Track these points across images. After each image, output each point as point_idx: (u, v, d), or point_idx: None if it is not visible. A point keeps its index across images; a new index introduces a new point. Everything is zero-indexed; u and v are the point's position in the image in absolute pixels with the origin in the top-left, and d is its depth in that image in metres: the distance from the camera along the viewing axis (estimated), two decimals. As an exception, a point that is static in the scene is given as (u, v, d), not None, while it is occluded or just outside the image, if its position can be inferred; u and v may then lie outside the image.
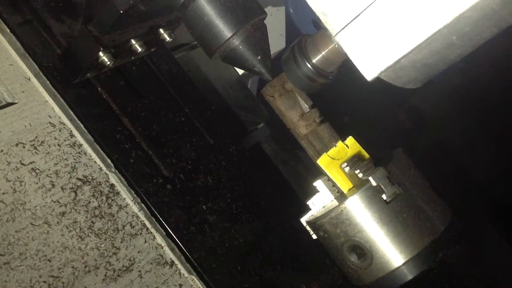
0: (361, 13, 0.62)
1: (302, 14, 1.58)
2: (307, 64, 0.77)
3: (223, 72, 1.20)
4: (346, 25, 0.63)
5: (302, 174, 1.20)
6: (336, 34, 0.64)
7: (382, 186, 0.74)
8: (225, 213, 0.97)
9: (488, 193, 1.82)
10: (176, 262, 0.88)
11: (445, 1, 0.57)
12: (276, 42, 1.28)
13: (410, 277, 0.77)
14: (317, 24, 1.67)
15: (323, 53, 0.75)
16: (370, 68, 0.64)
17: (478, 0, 0.55)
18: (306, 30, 1.64)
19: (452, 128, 1.85)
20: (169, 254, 0.88)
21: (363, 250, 0.77)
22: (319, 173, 0.85)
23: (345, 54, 0.65)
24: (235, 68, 1.22)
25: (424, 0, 0.58)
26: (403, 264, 0.76)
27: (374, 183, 0.74)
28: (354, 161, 0.80)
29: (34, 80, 0.86)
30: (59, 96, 0.87)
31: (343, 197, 0.81)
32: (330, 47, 0.74)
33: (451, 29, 0.58)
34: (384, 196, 0.74)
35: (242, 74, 1.26)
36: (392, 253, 0.76)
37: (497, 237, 1.70)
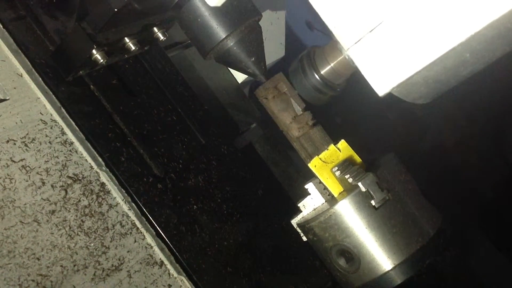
0: (374, 28, 0.61)
1: (296, 14, 1.58)
2: (316, 75, 0.77)
3: (216, 72, 1.20)
4: (359, 40, 0.63)
5: (293, 176, 1.20)
6: (348, 48, 0.64)
7: (371, 192, 0.74)
8: (215, 213, 0.97)
9: (479, 198, 1.83)
10: (166, 262, 0.87)
11: (461, 19, 0.56)
12: (276, 50, 1.28)
13: (398, 282, 0.77)
14: (310, 24, 1.67)
15: (332, 65, 0.75)
16: (382, 83, 0.63)
17: (494, 19, 0.55)
18: (300, 30, 1.64)
19: (443, 131, 1.86)
20: (159, 254, 0.88)
21: (351, 255, 0.77)
22: (310, 174, 0.85)
23: (355, 67, 0.65)
24: (228, 68, 1.22)
25: (439, 17, 0.58)
26: (391, 269, 0.76)
27: (363, 189, 0.75)
28: (345, 165, 0.80)
29: (26, 76, 0.86)
30: (51, 93, 0.87)
31: (334, 200, 0.81)
32: (339, 59, 0.73)
33: (465, 46, 0.58)
34: (373, 202, 0.75)
35: (241, 83, 1.25)
36: (380, 258, 0.76)
37: (486, 241, 1.71)
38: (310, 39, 1.68)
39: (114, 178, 0.87)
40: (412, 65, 0.61)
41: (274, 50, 1.27)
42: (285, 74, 0.86)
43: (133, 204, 0.88)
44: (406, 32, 0.60)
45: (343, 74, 0.76)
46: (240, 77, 1.26)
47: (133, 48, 0.89)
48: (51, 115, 0.86)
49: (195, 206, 0.95)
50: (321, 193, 0.84)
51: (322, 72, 0.77)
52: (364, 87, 0.68)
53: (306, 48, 1.66)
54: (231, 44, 0.80)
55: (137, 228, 0.87)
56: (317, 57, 0.78)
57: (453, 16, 0.57)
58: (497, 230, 1.75)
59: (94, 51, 0.83)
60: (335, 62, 0.75)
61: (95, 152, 0.87)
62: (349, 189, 0.80)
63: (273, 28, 1.28)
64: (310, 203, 0.85)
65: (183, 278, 0.88)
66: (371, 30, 0.62)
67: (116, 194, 0.87)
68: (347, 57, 0.66)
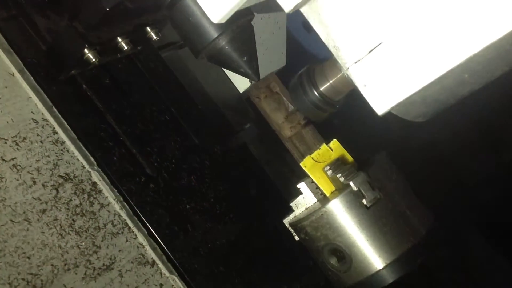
0: (373, 49, 0.62)
1: (292, 15, 1.58)
2: (314, 92, 0.77)
3: (210, 72, 1.20)
4: (358, 60, 0.63)
5: (287, 176, 1.20)
6: (348, 68, 0.64)
7: (362, 191, 0.74)
8: (208, 213, 0.97)
9: (475, 198, 1.82)
10: (158, 261, 0.87)
11: (460, 40, 0.57)
12: (277, 60, 1.28)
13: (389, 281, 0.77)
14: (307, 26, 1.67)
15: (331, 82, 0.75)
16: (381, 103, 0.63)
17: (493, 41, 0.55)
18: (297, 32, 1.63)
19: (440, 131, 1.86)
20: (151, 254, 0.87)
21: (342, 254, 0.77)
22: (304, 175, 0.85)
23: (354, 85, 0.65)
24: (223, 69, 1.22)
25: (438, 39, 0.58)
26: (383, 268, 0.76)
27: (355, 188, 0.74)
28: (337, 164, 0.80)
29: (18, 75, 0.86)
30: (43, 92, 0.87)
31: (326, 200, 0.81)
32: (338, 77, 0.74)
33: (464, 67, 0.58)
34: (364, 201, 0.74)
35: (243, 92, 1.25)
36: (371, 258, 0.76)
37: (483, 241, 1.70)
38: (308, 40, 1.68)
39: (105, 177, 0.87)
40: (411, 85, 0.61)
41: (275, 60, 1.27)
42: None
43: (125, 203, 0.87)
44: (405, 53, 0.60)
45: (342, 91, 0.77)
46: (242, 87, 1.26)
47: (126, 47, 0.89)
48: (43, 114, 0.86)
49: (187, 206, 0.95)
50: (313, 193, 0.84)
51: (321, 89, 0.77)
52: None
53: (303, 51, 1.66)
54: (223, 43, 0.80)
55: (129, 228, 0.87)
56: (316, 74, 0.78)
57: (451, 38, 0.57)
58: (494, 230, 1.74)
59: (86, 50, 0.83)
60: (334, 79, 0.75)
61: (86, 152, 0.87)
62: (340, 189, 0.80)
63: (274, 38, 1.28)
64: (302, 203, 0.85)
65: (175, 277, 0.87)
66: (371, 51, 0.62)
67: (108, 194, 0.87)
68: (346, 76, 0.66)
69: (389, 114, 0.65)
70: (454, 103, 0.65)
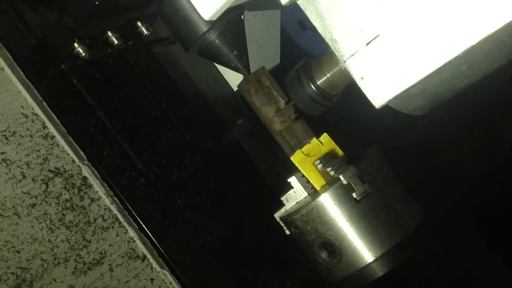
0: (371, 41, 0.61)
1: (288, 13, 1.58)
2: (311, 85, 0.77)
3: (202, 68, 1.20)
4: (355, 53, 0.63)
5: (279, 171, 1.20)
6: (345, 61, 0.64)
7: (352, 185, 0.74)
8: (199, 208, 0.97)
9: (471, 195, 1.82)
10: (148, 256, 0.87)
11: (457, 33, 0.57)
12: (271, 58, 1.29)
13: (380, 274, 0.77)
14: (302, 24, 1.67)
15: (328, 75, 0.75)
16: (378, 96, 0.63)
17: (490, 33, 0.55)
18: (292, 30, 1.63)
19: (437, 128, 1.86)
20: (141, 248, 0.87)
21: (333, 247, 0.77)
22: (294, 169, 0.85)
23: (351, 78, 0.65)
24: (214, 63, 1.22)
25: (436, 31, 0.58)
26: (373, 261, 0.76)
27: (344, 182, 0.74)
28: (327, 158, 0.80)
29: (7, 70, 0.85)
30: (33, 87, 0.86)
31: (316, 194, 0.81)
32: (335, 70, 0.73)
33: (462, 60, 0.58)
34: (354, 195, 0.74)
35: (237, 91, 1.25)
36: (361, 251, 0.76)
37: (477, 238, 1.71)
38: (303, 39, 1.67)
39: (96, 172, 0.87)
40: (409, 78, 0.61)
41: (269, 58, 1.27)
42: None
43: (116, 198, 0.87)
44: (402, 45, 0.60)
45: (339, 85, 0.76)
46: (236, 84, 1.25)
47: (116, 42, 0.89)
48: (33, 108, 0.85)
49: (179, 201, 0.94)
50: (303, 187, 0.84)
51: (318, 82, 0.77)
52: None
53: (298, 49, 1.66)
54: (213, 37, 0.80)
55: (120, 222, 0.87)
56: (313, 67, 0.78)
57: (449, 30, 0.57)
58: (489, 226, 1.75)
59: (76, 45, 0.83)
60: (331, 73, 0.75)
61: (77, 146, 0.87)
62: (331, 182, 0.80)
63: (268, 36, 1.28)
64: (293, 197, 0.85)
65: (165, 272, 0.87)
66: (368, 43, 0.62)
67: (98, 188, 0.86)
68: (343, 69, 0.66)
69: (385, 108, 0.65)
70: (451, 96, 0.65)
